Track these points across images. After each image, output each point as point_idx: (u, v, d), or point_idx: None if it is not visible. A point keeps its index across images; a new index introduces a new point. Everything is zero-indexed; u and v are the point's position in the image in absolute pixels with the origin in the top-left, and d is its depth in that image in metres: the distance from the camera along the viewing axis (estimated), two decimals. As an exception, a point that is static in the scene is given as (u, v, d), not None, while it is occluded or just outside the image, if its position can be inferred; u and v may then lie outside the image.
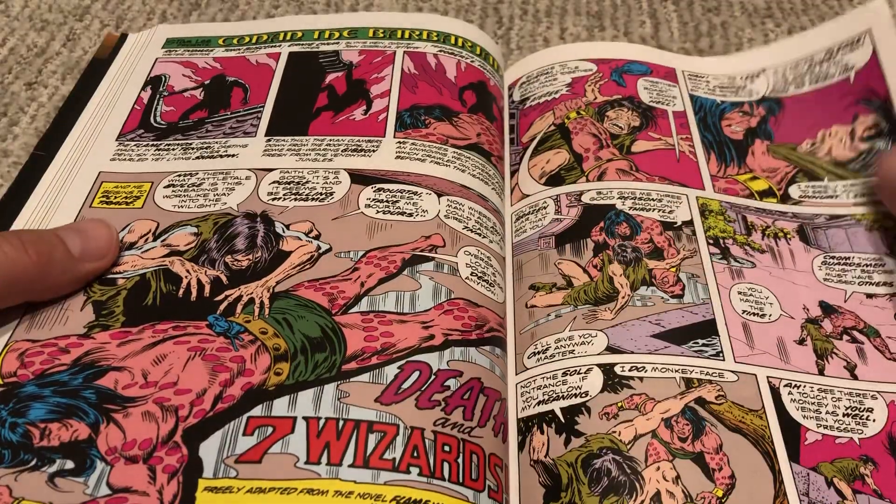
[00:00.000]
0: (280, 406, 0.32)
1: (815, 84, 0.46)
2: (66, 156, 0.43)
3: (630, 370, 0.35)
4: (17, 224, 0.39)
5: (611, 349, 0.35)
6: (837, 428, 0.33)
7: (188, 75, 0.47)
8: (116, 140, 0.43)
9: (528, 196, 0.43)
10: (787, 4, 0.57)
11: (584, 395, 0.34)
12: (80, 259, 0.35)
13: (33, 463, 0.30)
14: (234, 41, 0.50)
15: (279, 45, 0.49)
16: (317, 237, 0.38)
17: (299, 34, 0.50)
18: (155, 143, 0.43)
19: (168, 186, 0.41)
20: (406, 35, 0.49)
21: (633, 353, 0.35)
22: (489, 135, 0.45)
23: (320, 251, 0.38)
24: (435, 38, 0.48)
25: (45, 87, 0.51)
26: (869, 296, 0.38)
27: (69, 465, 0.30)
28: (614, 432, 0.33)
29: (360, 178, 0.41)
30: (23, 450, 0.30)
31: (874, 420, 0.33)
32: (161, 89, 0.47)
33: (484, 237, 0.40)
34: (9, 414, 0.31)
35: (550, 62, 0.49)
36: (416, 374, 0.33)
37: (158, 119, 0.45)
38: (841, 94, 0.45)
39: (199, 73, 0.48)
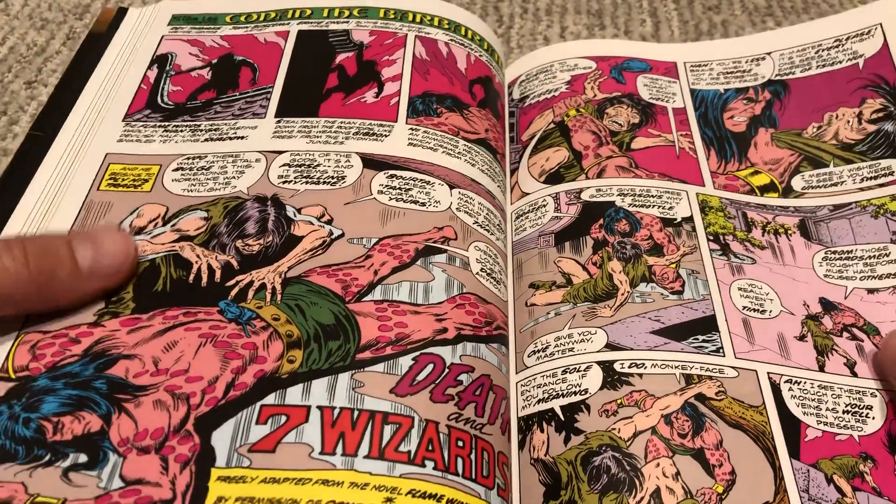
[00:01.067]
0: (294, 394, 0.31)
1: (821, 68, 0.46)
2: (72, 136, 0.42)
3: (630, 367, 0.35)
4: (23, 206, 0.38)
5: (610, 346, 0.35)
6: (837, 425, 0.33)
7: (195, 54, 0.46)
8: (123, 121, 0.43)
9: (527, 194, 0.43)
10: (787, 3, 0.57)
11: (583, 392, 0.34)
12: (89, 276, 0.33)
13: (47, 458, 0.29)
14: (242, 18, 0.49)
15: (288, 24, 0.48)
16: (329, 222, 0.38)
17: (308, 11, 0.49)
18: (163, 124, 0.42)
19: (177, 170, 0.40)
20: (417, 19, 0.48)
21: (632, 349, 0.35)
22: (495, 131, 0.44)
23: (332, 236, 0.37)
24: (446, 26, 0.48)
25: (45, 86, 0.51)
26: (870, 291, 0.38)
27: (82, 458, 0.29)
28: (614, 429, 0.33)
29: (373, 163, 0.40)
30: (36, 445, 0.29)
31: (873, 418, 0.33)
32: (168, 68, 0.46)
33: (492, 234, 0.39)
34: (22, 409, 0.30)
35: (550, 60, 0.49)
36: (431, 366, 0.33)
37: (166, 99, 0.44)
38: (849, 79, 0.45)
39: (206, 52, 0.47)
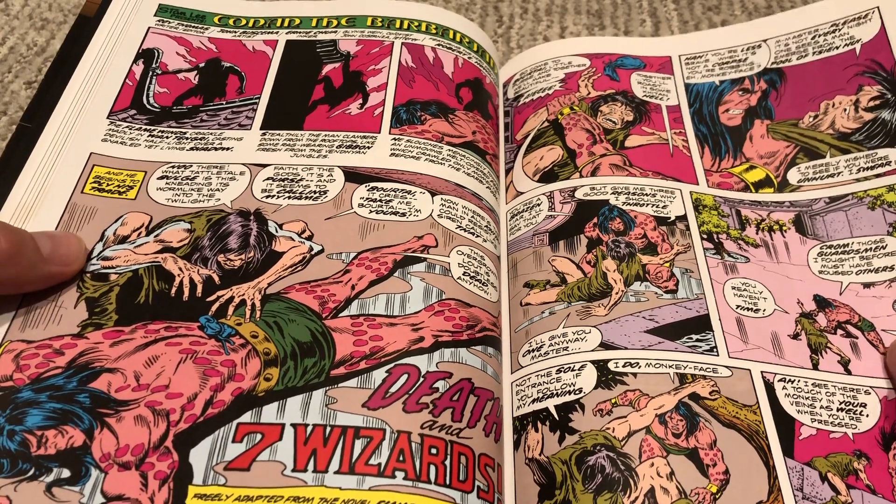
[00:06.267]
0: (269, 413, 0.32)
1: (818, 55, 0.46)
2: (58, 128, 0.41)
3: (624, 366, 0.35)
4: (10, 201, 0.38)
5: (604, 345, 0.35)
6: (831, 423, 0.33)
7: (182, 54, 0.46)
8: (108, 118, 0.42)
9: (522, 193, 0.43)
10: (787, 3, 0.57)
11: (577, 391, 0.34)
12: (48, 260, 0.34)
13: (32, 472, 0.30)
14: (231, 22, 0.48)
15: (276, 32, 0.48)
16: (309, 238, 0.38)
17: (297, 21, 0.49)
18: (148, 127, 0.42)
19: (162, 178, 0.40)
20: (405, 26, 0.48)
21: (626, 349, 0.35)
22: (484, 133, 0.44)
23: (312, 252, 0.37)
24: (434, 31, 0.48)
25: (44, 89, 0.51)
26: (866, 285, 0.37)
27: (66, 473, 0.30)
28: (608, 429, 0.33)
29: (354, 176, 0.40)
30: (21, 459, 0.30)
31: (867, 415, 0.33)
32: (154, 66, 0.45)
33: (478, 236, 0.39)
34: (6, 421, 0.31)
35: (544, 58, 0.49)
36: (405, 377, 0.33)
37: (151, 101, 0.44)
38: (845, 65, 0.44)
39: (193, 54, 0.46)
